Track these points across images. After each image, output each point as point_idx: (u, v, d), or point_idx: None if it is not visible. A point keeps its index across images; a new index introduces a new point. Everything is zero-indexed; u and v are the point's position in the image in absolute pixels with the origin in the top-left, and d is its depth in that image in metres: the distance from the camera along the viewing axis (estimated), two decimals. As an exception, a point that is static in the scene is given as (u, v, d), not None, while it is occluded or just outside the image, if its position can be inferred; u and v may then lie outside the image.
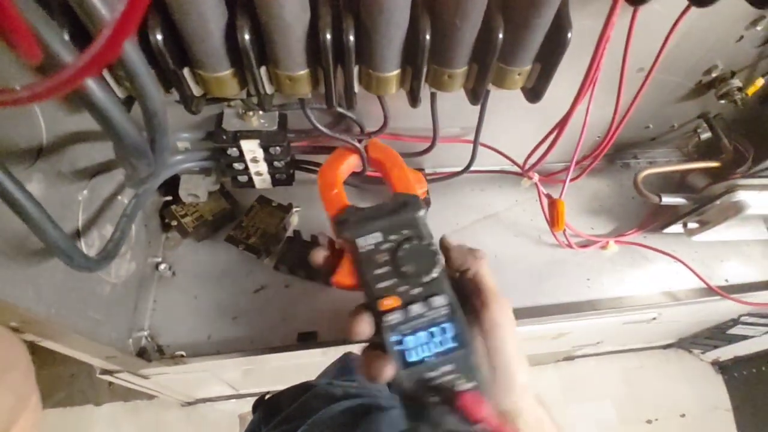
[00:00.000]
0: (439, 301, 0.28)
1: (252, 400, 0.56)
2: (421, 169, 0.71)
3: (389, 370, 0.26)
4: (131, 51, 0.20)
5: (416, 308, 0.28)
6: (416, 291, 0.28)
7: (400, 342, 0.27)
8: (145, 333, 0.53)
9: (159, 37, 0.32)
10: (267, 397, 0.58)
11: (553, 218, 0.56)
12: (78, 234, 0.40)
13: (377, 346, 0.28)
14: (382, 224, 0.31)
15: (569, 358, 1.34)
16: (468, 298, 0.29)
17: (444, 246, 0.31)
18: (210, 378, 0.88)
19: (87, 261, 0.31)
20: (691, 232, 0.65)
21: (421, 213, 0.32)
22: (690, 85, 0.62)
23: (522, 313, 0.61)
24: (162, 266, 0.57)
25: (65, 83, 0.11)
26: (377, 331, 0.28)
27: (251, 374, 0.90)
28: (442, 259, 0.29)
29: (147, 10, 0.32)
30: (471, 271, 0.29)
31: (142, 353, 0.51)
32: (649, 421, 1.30)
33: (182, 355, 0.52)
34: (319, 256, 0.32)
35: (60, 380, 1.24)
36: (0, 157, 0.30)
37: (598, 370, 1.35)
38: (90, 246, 0.41)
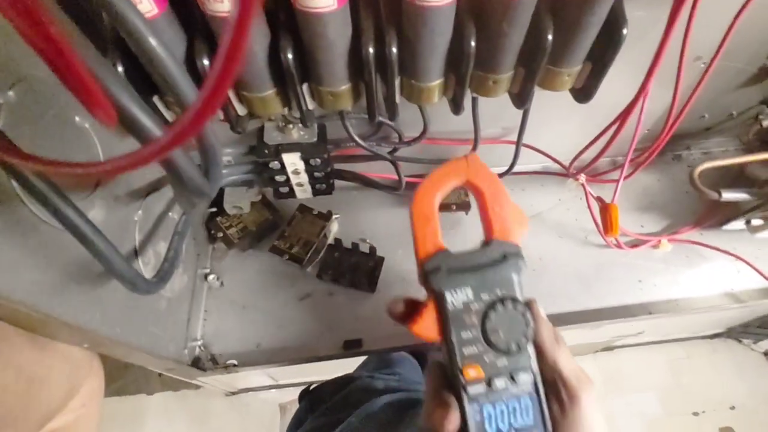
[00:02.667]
0: (524, 377, 0.26)
1: (292, 390, 0.58)
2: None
3: (455, 421, 0.25)
4: (189, 90, 0.20)
5: (500, 383, 0.26)
6: (503, 363, 0.26)
7: (480, 413, 0.26)
8: (199, 343, 0.55)
9: (206, 62, 0.33)
10: (312, 387, 0.60)
11: (606, 224, 0.53)
12: (136, 253, 0.42)
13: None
14: (476, 280, 0.28)
15: (608, 348, 1.29)
16: (550, 383, 0.26)
17: (534, 317, 0.28)
18: (254, 372, 0.92)
19: (148, 285, 0.32)
20: (755, 229, 0.60)
21: (520, 274, 0.28)
22: (752, 70, 0.57)
23: (571, 318, 0.59)
24: (210, 277, 0.59)
25: (148, 157, 0.11)
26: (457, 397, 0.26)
27: (292, 368, 0.92)
28: (533, 328, 0.27)
29: (195, 35, 0.32)
30: (549, 358, 0.27)
31: (196, 363, 0.53)
32: (696, 414, 1.25)
33: (235, 365, 0.53)
34: (398, 307, 0.29)
35: (115, 371, 1.32)
36: (65, 190, 0.32)
37: (640, 361, 1.30)
38: (146, 264, 0.43)
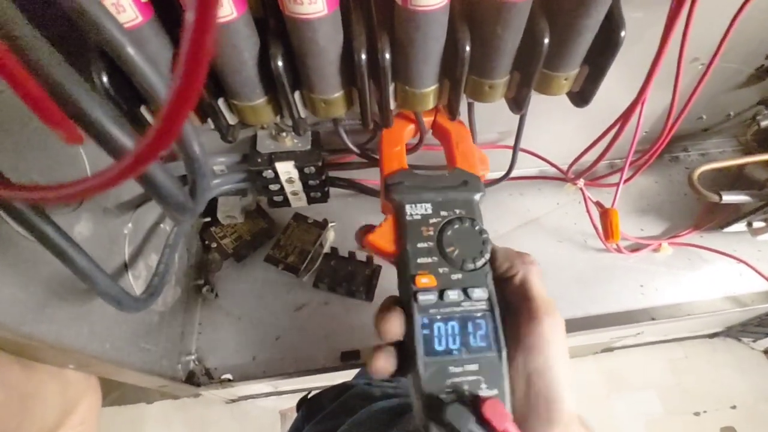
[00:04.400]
0: (478, 293, 0.25)
1: (291, 397, 0.57)
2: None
3: (398, 325, 0.24)
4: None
5: (453, 295, 0.25)
6: (456, 277, 0.26)
7: (429, 325, 0.25)
8: (193, 357, 0.54)
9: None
10: (309, 396, 0.59)
11: (607, 229, 0.52)
12: (126, 267, 0.40)
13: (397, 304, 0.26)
14: (436, 197, 0.28)
15: (608, 349, 1.29)
16: (513, 308, 0.25)
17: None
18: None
19: (136, 302, 0.31)
20: (756, 232, 0.60)
21: (479, 196, 0.29)
22: (749, 70, 0.57)
23: (572, 325, 0.58)
24: (205, 288, 0.58)
25: (121, 174, 0.10)
26: (407, 312, 0.25)
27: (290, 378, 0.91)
28: (489, 249, 0.27)
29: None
30: (519, 276, 0.26)
31: (191, 377, 0.52)
32: (697, 413, 1.24)
33: (230, 379, 0.52)
34: (362, 230, 0.30)
35: (114, 381, 1.31)
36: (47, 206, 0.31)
37: (640, 361, 1.30)
38: (137, 277, 0.42)
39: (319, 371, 0.54)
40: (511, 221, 0.68)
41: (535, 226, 0.67)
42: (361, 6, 0.33)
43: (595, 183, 0.60)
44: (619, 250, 0.62)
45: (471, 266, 0.26)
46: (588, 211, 0.58)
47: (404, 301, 0.26)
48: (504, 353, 0.24)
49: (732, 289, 0.61)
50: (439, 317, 0.25)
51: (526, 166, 0.68)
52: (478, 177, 0.30)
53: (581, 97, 0.40)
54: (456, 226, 0.27)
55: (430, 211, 0.28)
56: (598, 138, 0.48)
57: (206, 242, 0.60)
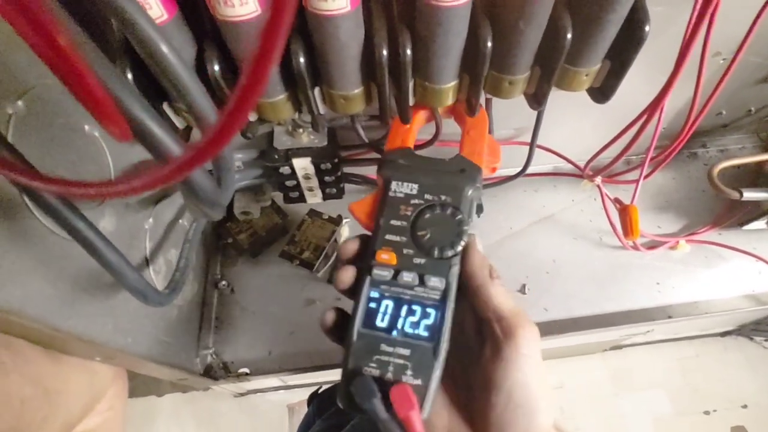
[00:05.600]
0: (434, 282, 0.25)
1: (299, 391, 0.57)
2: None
3: (349, 276, 0.25)
4: (202, 99, 0.20)
5: (408, 277, 0.25)
6: (418, 261, 0.26)
7: (377, 300, 0.25)
8: (210, 351, 0.54)
9: (216, 67, 0.32)
10: (320, 390, 0.59)
11: (626, 227, 0.52)
12: (147, 262, 0.41)
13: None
14: (426, 179, 0.28)
15: (617, 347, 1.28)
16: (486, 322, 0.25)
17: (468, 244, 0.27)
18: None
19: (160, 297, 0.32)
20: (777, 229, 0.59)
21: (473, 189, 0.28)
22: (772, 65, 0.56)
23: (588, 322, 0.58)
24: (221, 283, 0.59)
25: (166, 178, 0.10)
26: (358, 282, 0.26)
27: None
28: (464, 243, 0.26)
29: (205, 41, 0.32)
30: (483, 293, 0.25)
31: (208, 371, 0.52)
32: (707, 413, 1.23)
33: (246, 373, 0.53)
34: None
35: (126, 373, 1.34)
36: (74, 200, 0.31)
37: (649, 359, 1.28)
38: (158, 272, 0.42)
39: (333, 366, 0.54)
40: (525, 218, 0.67)
41: (550, 223, 0.67)
42: (382, 2, 0.33)
43: (612, 180, 0.59)
44: (635, 247, 0.61)
45: (437, 254, 0.26)
46: (605, 208, 0.57)
47: (362, 272, 0.26)
48: (442, 348, 0.24)
49: (751, 287, 0.60)
50: (388, 295, 0.25)
51: (541, 162, 0.67)
52: (479, 168, 0.29)
53: (602, 93, 0.40)
54: (436, 212, 0.27)
55: (414, 192, 0.28)
56: (620, 134, 0.48)
57: (222, 238, 0.61)
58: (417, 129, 0.33)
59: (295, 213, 0.64)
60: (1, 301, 0.23)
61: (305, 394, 0.61)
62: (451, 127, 0.53)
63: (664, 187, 0.70)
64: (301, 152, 0.49)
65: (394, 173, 0.28)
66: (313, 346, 0.56)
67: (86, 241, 0.23)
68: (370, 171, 0.60)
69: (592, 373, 1.27)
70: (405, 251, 0.26)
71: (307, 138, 0.50)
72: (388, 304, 0.25)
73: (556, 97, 0.43)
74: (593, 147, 0.56)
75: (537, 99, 0.40)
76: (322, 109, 0.39)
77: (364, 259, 0.26)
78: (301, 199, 0.56)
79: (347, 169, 0.58)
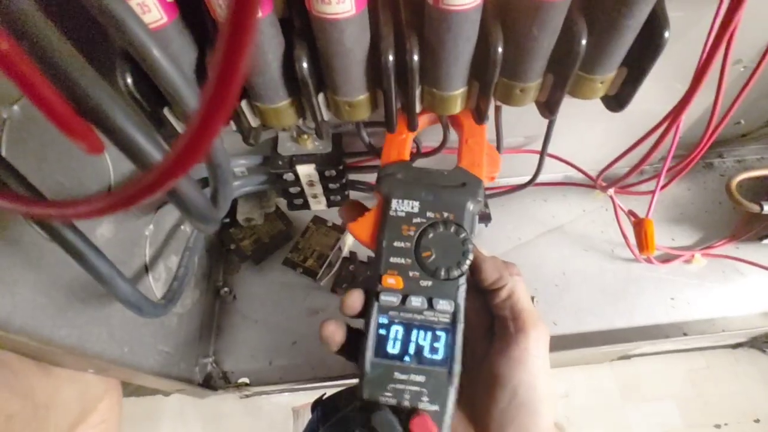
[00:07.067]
0: (443, 305, 0.25)
1: (304, 394, 0.56)
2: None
3: (357, 301, 0.25)
4: (195, 103, 0.19)
5: (416, 302, 0.25)
6: (426, 284, 0.25)
7: (387, 326, 0.24)
8: (210, 359, 0.53)
9: (218, 72, 0.31)
10: (324, 397, 0.58)
11: (641, 241, 0.50)
12: (146, 269, 0.40)
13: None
14: (426, 195, 0.27)
15: (625, 357, 1.25)
16: (499, 319, 0.25)
17: (475, 256, 0.27)
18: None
19: (155, 308, 0.31)
20: (799, 244, 0.56)
21: (474, 203, 0.27)
22: (795, 74, 0.54)
23: (597, 338, 0.56)
24: (223, 290, 0.58)
25: (150, 188, 0.09)
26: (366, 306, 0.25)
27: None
28: (469, 262, 0.26)
29: (207, 46, 0.31)
30: (506, 288, 0.26)
31: (208, 380, 0.51)
32: (717, 426, 1.19)
33: (247, 384, 0.51)
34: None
35: None
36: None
37: (658, 370, 1.26)
38: (157, 280, 0.42)
39: (334, 378, 0.53)
40: (534, 228, 0.65)
41: (560, 234, 0.65)
42: (389, 6, 0.32)
43: (626, 191, 0.57)
44: (649, 260, 0.59)
45: (444, 275, 0.25)
46: (618, 220, 0.55)
47: (369, 295, 0.25)
48: (455, 371, 0.24)
49: (770, 304, 0.58)
50: (397, 320, 0.24)
51: (550, 171, 0.66)
52: (479, 181, 0.29)
53: (617, 101, 0.38)
54: (439, 230, 0.26)
55: (416, 210, 0.27)
56: (635, 144, 0.46)
57: (225, 244, 0.60)
58: (412, 139, 0.31)
59: (300, 219, 0.63)
60: (-13, 313, 0.23)
61: (310, 397, 0.60)
62: (455, 133, 0.51)
63: (679, 198, 0.68)
64: (305, 159, 0.48)
65: (393, 190, 0.28)
66: (315, 358, 0.55)
67: (75, 250, 0.22)
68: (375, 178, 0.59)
69: (600, 382, 1.24)
70: (411, 274, 0.25)
71: (311, 144, 0.49)
72: (398, 330, 0.24)
73: (566, 104, 0.41)
74: (604, 156, 0.55)
75: (549, 107, 0.38)
76: (326, 115, 0.38)
77: (369, 282, 0.26)
78: (306, 206, 0.55)
79: (352, 176, 0.57)
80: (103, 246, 0.27)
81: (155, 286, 0.41)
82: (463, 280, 0.25)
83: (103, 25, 0.18)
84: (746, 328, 0.56)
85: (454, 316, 0.24)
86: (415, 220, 0.26)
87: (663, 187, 0.48)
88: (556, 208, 0.67)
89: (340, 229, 0.60)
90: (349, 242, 0.63)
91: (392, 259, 0.26)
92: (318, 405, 0.58)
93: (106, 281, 0.24)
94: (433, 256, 0.25)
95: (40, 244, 0.28)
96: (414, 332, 0.24)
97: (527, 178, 0.56)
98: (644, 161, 0.43)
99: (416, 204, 0.27)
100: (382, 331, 0.24)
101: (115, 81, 0.29)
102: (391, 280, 0.25)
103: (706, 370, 1.27)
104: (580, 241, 0.64)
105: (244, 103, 0.36)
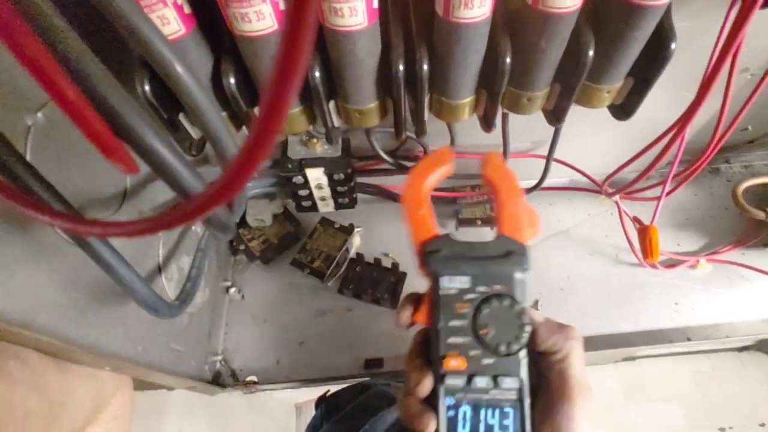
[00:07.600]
0: (508, 383, 0.24)
1: (308, 391, 0.56)
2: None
3: (427, 387, 0.24)
4: (215, 119, 0.20)
5: (482, 382, 0.24)
6: (488, 361, 0.25)
7: (454, 407, 0.24)
8: (219, 357, 0.54)
9: (232, 80, 0.32)
10: (328, 394, 0.59)
11: (646, 248, 0.50)
12: (159, 270, 0.41)
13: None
14: (475, 269, 0.26)
15: (630, 358, 1.25)
16: (548, 381, 0.25)
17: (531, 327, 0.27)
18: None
19: (170, 309, 0.32)
20: (805, 251, 0.56)
21: (522, 273, 0.27)
22: (803, 81, 0.54)
23: (602, 342, 0.57)
24: (232, 290, 0.59)
25: (190, 215, 0.10)
26: (434, 389, 0.25)
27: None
28: (528, 334, 0.25)
29: (222, 55, 0.32)
30: (561, 354, 0.25)
31: (217, 378, 0.52)
32: (722, 429, 1.19)
33: (255, 382, 0.53)
34: (405, 316, 0.28)
35: None
36: (93, 209, 0.31)
37: (663, 371, 1.25)
38: (170, 280, 0.43)
39: (341, 378, 0.54)
40: (540, 232, 0.66)
41: (565, 238, 0.65)
42: (400, 18, 0.32)
43: (631, 197, 0.57)
44: (653, 265, 0.60)
45: (505, 351, 0.25)
46: (623, 226, 0.56)
47: (433, 374, 0.25)
48: None
49: (775, 310, 0.58)
50: (465, 402, 0.25)
51: (555, 175, 0.66)
52: (524, 247, 0.27)
53: (623, 110, 0.39)
54: (494, 305, 0.26)
55: (467, 286, 0.26)
56: (641, 152, 0.46)
57: (234, 244, 0.61)
58: (431, 205, 0.30)
59: (308, 220, 0.64)
60: (13, 313, 0.24)
61: (313, 393, 0.61)
62: (464, 139, 0.52)
63: (685, 203, 0.68)
64: (314, 162, 0.49)
65: (442, 267, 0.27)
66: (321, 358, 0.56)
67: (97, 255, 0.23)
68: (383, 181, 0.60)
69: (604, 383, 1.24)
70: (472, 353, 0.25)
71: (320, 148, 0.50)
72: (466, 411, 0.24)
73: (573, 111, 0.42)
74: (610, 161, 0.55)
75: (556, 115, 0.39)
76: (336, 121, 0.39)
77: (433, 366, 0.26)
78: (314, 208, 0.56)
79: (360, 179, 0.58)
80: (119, 247, 0.28)
81: (168, 286, 0.42)
82: (524, 353, 0.25)
83: (128, 41, 0.19)
84: (750, 333, 0.56)
85: (521, 391, 0.24)
86: (467, 297, 0.26)
87: (669, 193, 0.48)
88: (561, 212, 0.68)
89: (348, 231, 0.61)
90: (356, 244, 0.63)
91: (451, 340, 0.25)
92: (322, 401, 0.59)
93: (127, 285, 0.25)
94: (492, 333, 0.25)
95: (62, 247, 0.29)
96: (482, 411, 0.24)
97: (533, 182, 0.57)
98: (650, 169, 0.43)
99: (466, 280, 0.26)
100: (451, 413, 0.24)
101: (130, 84, 0.30)
102: (453, 362, 0.25)
103: (712, 372, 1.26)
104: (585, 245, 0.64)
105: (256, 110, 0.37)
